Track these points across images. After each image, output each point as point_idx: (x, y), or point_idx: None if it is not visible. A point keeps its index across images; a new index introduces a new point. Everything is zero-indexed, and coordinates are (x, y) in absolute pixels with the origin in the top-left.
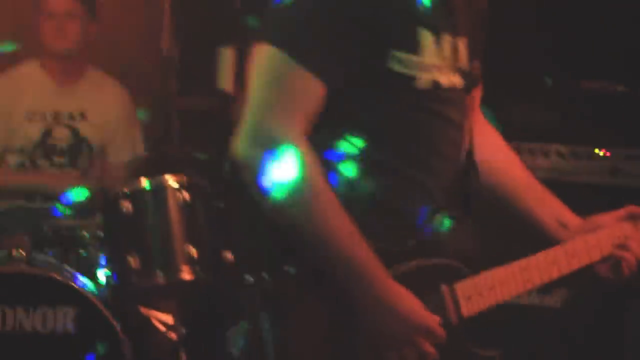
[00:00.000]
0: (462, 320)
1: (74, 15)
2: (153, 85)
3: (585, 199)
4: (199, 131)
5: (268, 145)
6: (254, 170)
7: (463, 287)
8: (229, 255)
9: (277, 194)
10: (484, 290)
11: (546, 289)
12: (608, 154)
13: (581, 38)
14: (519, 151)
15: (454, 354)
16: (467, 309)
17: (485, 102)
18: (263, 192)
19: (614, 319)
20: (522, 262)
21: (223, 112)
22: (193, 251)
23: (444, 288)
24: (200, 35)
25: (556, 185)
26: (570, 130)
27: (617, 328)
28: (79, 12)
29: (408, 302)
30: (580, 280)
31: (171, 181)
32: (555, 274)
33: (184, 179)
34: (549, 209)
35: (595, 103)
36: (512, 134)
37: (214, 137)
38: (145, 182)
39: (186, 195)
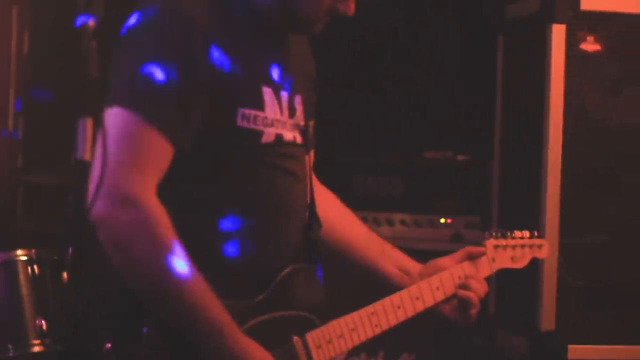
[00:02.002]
0: None
1: None
2: None
3: None
4: (45, 204)
5: (121, 202)
6: (107, 229)
7: (313, 337)
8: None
9: (130, 250)
10: (334, 337)
11: (393, 353)
12: (449, 221)
13: (423, 109)
14: (364, 220)
15: None
16: (319, 357)
17: (331, 170)
18: (116, 250)
19: None
20: (369, 308)
21: (79, 182)
22: (44, 323)
23: (295, 339)
24: (49, 109)
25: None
26: (413, 199)
27: None
28: None
29: (259, 355)
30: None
31: (20, 255)
32: (401, 317)
33: (33, 252)
34: (390, 258)
35: (437, 172)
36: (356, 203)
37: (62, 209)
38: None
39: (36, 268)
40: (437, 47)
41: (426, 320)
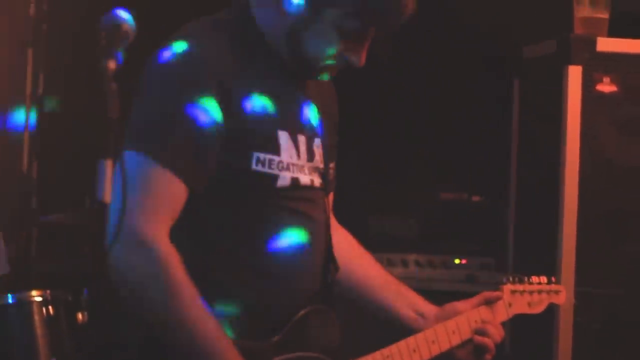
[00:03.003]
0: None
1: None
2: (12, 203)
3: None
4: (59, 245)
5: (134, 244)
6: (120, 271)
7: None
8: None
9: (143, 292)
10: None
11: None
12: (464, 262)
13: (439, 150)
14: (379, 260)
15: None
16: None
17: (346, 210)
18: (129, 293)
19: None
20: (385, 351)
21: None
22: None
23: None
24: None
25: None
26: (427, 239)
27: None
28: None
29: None
30: None
31: (35, 296)
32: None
33: (47, 292)
34: (406, 300)
35: (452, 213)
36: (371, 243)
37: (76, 250)
38: (9, 297)
39: (50, 308)
40: (454, 89)
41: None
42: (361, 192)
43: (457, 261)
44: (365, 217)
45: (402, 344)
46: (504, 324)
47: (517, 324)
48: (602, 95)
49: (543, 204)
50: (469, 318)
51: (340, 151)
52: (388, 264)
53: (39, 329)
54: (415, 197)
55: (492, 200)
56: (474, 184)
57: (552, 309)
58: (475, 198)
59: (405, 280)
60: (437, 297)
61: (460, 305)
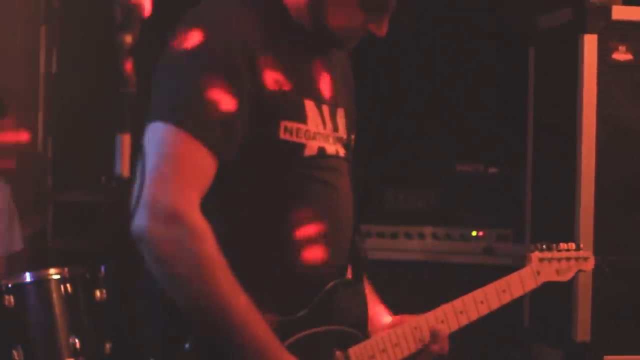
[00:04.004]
0: None
1: None
2: (29, 182)
3: (461, 279)
4: (75, 223)
5: (165, 218)
6: (151, 243)
7: (356, 352)
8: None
9: (175, 267)
10: (377, 352)
11: None
12: (481, 234)
13: (455, 122)
14: (395, 235)
15: None
16: None
17: (363, 184)
18: (161, 265)
19: None
20: (413, 322)
21: (118, 199)
22: (77, 342)
23: (338, 354)
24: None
25: (432, 266)
26: (444, 212)
27: None
28: None
29: None
30: None
31: (53, 274)
32: (446, 331)
33: (65, 270)
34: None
35: (469, 185)
36: (388, 216)
37: (92, 226)
38: (27, 276)
39: (68, 286)
40: (469, 60)
41: (462, 335)
42: (377, 166)
43: (474, 233)
44: (381, 190)
45: (429, 315)
46: (521, 297)
47: (536, 294)
48: (617, 63)
49: (560, 174)
50: (496, 288)
51: (357, 125)
52: (405, 237)
53: (57, 307)
54: (431, 169)
55: (509, 172)
56: (490, 155)
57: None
58: (492, 170)
59: (423, 253)
60: (455, 269)
61: (410, 318)
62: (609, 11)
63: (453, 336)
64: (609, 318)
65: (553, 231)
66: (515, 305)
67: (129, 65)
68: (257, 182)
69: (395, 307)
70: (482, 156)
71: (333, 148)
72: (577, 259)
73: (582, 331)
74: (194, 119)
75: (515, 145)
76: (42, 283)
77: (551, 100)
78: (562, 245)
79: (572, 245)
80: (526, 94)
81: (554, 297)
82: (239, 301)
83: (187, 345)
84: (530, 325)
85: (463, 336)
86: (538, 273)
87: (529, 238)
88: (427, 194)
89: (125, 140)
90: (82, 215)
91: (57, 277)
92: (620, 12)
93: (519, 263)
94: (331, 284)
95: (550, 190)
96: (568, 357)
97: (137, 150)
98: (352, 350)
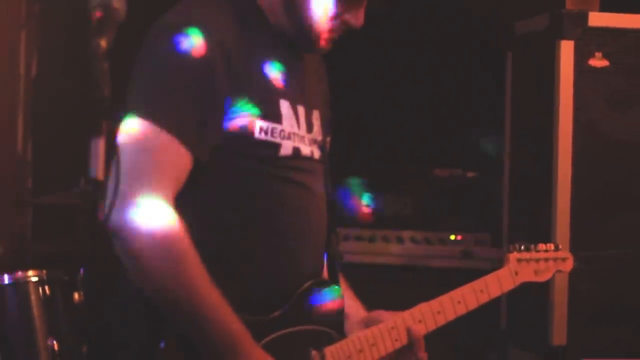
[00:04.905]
0: None
1: None
2: (9, 184)
3: (439, 282)
4: (55, 225)
5: (140, 213)
6: (125, 239)
7: (332, 352)
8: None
9: (149, 262)
10: (353, 352)
11: None
12: (459, 238)
13: (433, 127)
14: (373, 238)
15: None
16: None
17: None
18: (135, 260)
19: None
20: (390, 322)
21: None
22: (55, 344)
23: (313, 353)
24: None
25: (410, 269)
26: (423, 216)
27: None
28: None
29: None
30: None
31: (31, 276)
32: (422, 331)
33: (44, 272)
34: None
35: (447, 190)
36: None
37: (72, 229)
38: (5, 278)
39: (47, 288)
40: (447, 65)
41: (439, 337)
42: (355, 171)
43: (452, 237)
44: (360, 194)
45: (406, 314)
46: (498, 298)
47: (513, 297)
48: (594, 69)
49: (537, 179)
50: (474, 287)
51: (334, 130)
52: (383, 241)
53: (35, 309)
54: (409, 174)
55: (487, 176)
56: (468, 160)
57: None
58: (470, 174)
59: (401, 257)
60: (434, 273)
61: (386, 314)
62: (585, 18)
63: (430, 338)
64: (585, 321)
65: (530, 235)
66: (492, 308)
67: (104, 70)
68: (230, 181)
69: (381, 308)
70: (461, 161)
71: (308, 149)
72: (555, 259)
73: (558, 334)
74: (171, 116)
75: (493, 150)
76: (20, 285)
77: (528, 105)
78: (541, 246)
79: (551, 246)
80: (504, 99)
81: (531, 300)
82: (212, 297)
83: (162, 344)
84: (507, 328)
85: (440, 338)
86: (516, 273)
87: (506, 242)
88: (406, 198)
89: (100, 144)
90: (61, 218)
91: (36, 279)
92: (596, 19)
93: (497, 267)
94: (307, 284)
95: (528, 195)
96: None
97: (112, 152)
98: (329, 350)
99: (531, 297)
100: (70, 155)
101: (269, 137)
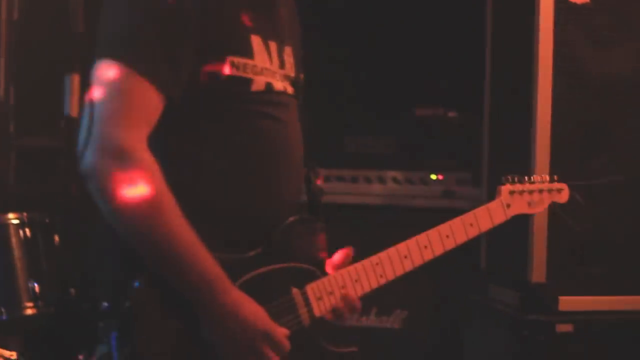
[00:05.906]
0: (314, 321)
1: None
2: None
3: (421, 222)
4: (36, 168)
5: (113, 154)
6: (100, 179)
7: (314, 288)
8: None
9: (123, 202)
10: (336, 289)
11: (385, 310)
12: (441, 177)
13: (413, 66)
14: (355, 179)
15: (309, 353)
16: (319, 309)
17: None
18: (109, 201)
19: (452, 338)
20: (374, 258)
21: (68, 139)
22: (36, 286)
23: (294, 291)
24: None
25: (392, 209)
26: (404, 156)
27: (456, 346)
28: None
29: (250, 308)
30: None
31: (12, 218)
32: (408, 267)
33: (24, 215)
34: None
35: (428, 129)
36: (348, 161)
37: (53, 172)
38: None
39: (27, 231)
40: (428, 5)
41: (419, 277)
42: (336, 111)
43: (433, 177)
44: (341, 136)
45: (392, 250)
46: (478, 237)
47: (492, 236)
48: (574, 6)
49: (517, 118)
50: (463, 220)
51: (314, 71)
52: (365, 181)
53: (16, 251)
54: (390, 114)
55: (468, 115)
56: (449, 99)
57: (526, 218)
58: (451, 113)
59: (383, 197)
60: (415, 213)
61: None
62: None
63: (408, 277)
64: (564, 259)
65: (511, 173)
66: (472, 247)
67: (76, 4)
68: (204, 119)
69: (355, 251)
70: (442, 100)
71: (281, 84)
72: (550, 190)
73: (538, 272)
74: (142, 57)
75: (474, 88)
76: (0, 228)
77: (509, 42)
78: (535, 177)
79: (546, 177)
80: (484, 37)
81: (510, 238)
82: (186, 237)
83: (137, 283)
84: (487, 267)
85: (420, 279)
86: (508, 206)
87: (486, 181)
88: (387, 138)
89: (74, 80)
90: (44, 161)
91: (16, 221)
92: None
93: (477, 206)
94: (287, 221)
95: (509, 132)
96: (524, 298)
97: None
98: (310, 287)
99: (511, 235)
100: (53, 99)
101: (240, 73)
